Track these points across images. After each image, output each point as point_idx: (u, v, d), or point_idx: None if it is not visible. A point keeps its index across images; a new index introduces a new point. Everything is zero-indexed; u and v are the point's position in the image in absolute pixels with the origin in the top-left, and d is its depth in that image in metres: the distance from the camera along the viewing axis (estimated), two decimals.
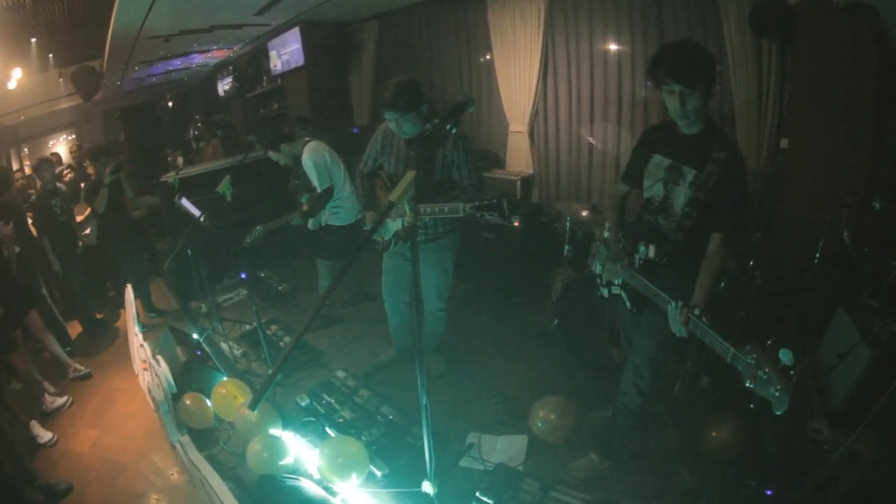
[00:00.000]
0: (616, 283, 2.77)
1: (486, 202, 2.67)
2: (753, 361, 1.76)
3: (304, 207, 4.59)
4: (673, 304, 2.25)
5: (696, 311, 2.14)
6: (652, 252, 2.53)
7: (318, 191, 4.53)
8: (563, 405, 3.33)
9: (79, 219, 5.88)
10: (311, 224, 4.67)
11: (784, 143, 4.22)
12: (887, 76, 3.57)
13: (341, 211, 4.71)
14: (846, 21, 3.60)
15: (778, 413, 1.71)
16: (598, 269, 2.96)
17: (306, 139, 4.79)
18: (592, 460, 3.01)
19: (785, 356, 1.69)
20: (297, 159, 4.78)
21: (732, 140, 2.41)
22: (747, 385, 1.80)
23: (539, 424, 3.30)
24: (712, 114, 4.56)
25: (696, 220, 2.40)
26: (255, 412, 3.24)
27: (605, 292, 2.91)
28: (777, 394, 1.70)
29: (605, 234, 2.91)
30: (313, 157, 4.51)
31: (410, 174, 1.72)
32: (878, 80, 3.59)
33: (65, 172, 7.68)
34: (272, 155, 5.01)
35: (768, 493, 2.57)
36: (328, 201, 4.57)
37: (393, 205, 1.69)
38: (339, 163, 4.72)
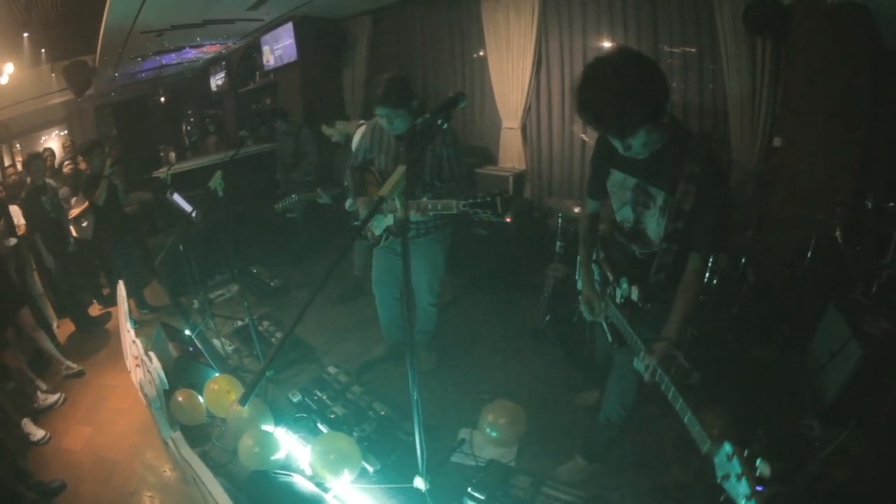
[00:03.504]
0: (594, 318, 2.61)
1: (479, 199, 2.61)
2: (728, 462, 1.60)
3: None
4: (639, 354, 2.06)
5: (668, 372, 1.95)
6: (635, 295, 2.32)
7: None
8: (511, 409, 3.32)
9: (74, 212, 5.84)
10: (347, 205, 4.75)
11: (777, 141, 4.25)
12: (880, 75, 3.59)
13: None
14: (839, 20, 3.62)
15: None
16: (579, 285, 2.76)
17: (360, 122, 4.92)
18: (579, 464, 3.00)
19: (762, 468, 1.53)
20: (348, 138, 4.97)
21: (705, 143, 2.02)
22: (718, 481, 1.63)
23: (487, 430, 3.26)
24: (705, 112, 4.66)
25: (677, 253, 2.10)
26: (247, 408, 3.24)
27: (586, 314, 2.69)
28: (745, 502, 1.53)
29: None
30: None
31: (401, 169, 1.72)
32: (871, 79, 3.61)
33: (65, 164, 7.66)
34: (325, 130, 5.36)
35: (759, 488, 2.57)
36: None
37: (384, 200, 1.69)
38: None
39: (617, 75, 1.86)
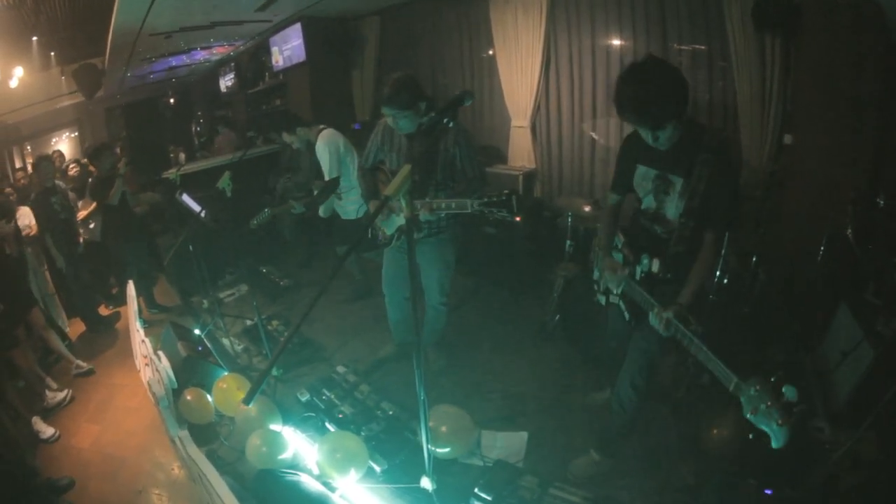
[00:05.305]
0: (615, 292, 2.74)
1: (495, 198, 2.57)
2: (756, 393, 1.73)
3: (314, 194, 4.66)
4: (654, 310, 2.27)
5: (684, 324, 2.14)
6: (656, 267, 2.51)
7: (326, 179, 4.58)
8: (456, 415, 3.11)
9: (82, 214, 5.88)
10: (322, 211, 4.70)
11: (787, 138, 4.21)
12: (892, 71, 3.55)
13: (351, 204, 4.75)
14: (850, 16, 3.58)
15: (775, 447, 1.69)
16: (596, 274, 2.92)
17: (321, 126, 4.85)
18: (593, 458, 2.99)
19: (789, 392, 1.66)
20: (310, 145, 4.86)
21: (717, 135, 2.36)
22: (747, 416, 1.76)
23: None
24: (715, 109, 4.63)
25: (694, 228, 2.36)
26: (255, 407, 3.26)
27: (601, 300, 2.90)
28: (777, 428, 1.67)
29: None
30: (327, 144, 4.58)
31: (406, 168, 1.72)
32: (883, 75, 3.56)
33: (70, 167, 7.70)
34: (286, 137, 5.10)
35: (768, 491, 2.55)
36: (334, 190, 4.59)
37: (389, 199, 1.69)
38: (353, 153, 4.76)
39: (655, 79, 2.19)
